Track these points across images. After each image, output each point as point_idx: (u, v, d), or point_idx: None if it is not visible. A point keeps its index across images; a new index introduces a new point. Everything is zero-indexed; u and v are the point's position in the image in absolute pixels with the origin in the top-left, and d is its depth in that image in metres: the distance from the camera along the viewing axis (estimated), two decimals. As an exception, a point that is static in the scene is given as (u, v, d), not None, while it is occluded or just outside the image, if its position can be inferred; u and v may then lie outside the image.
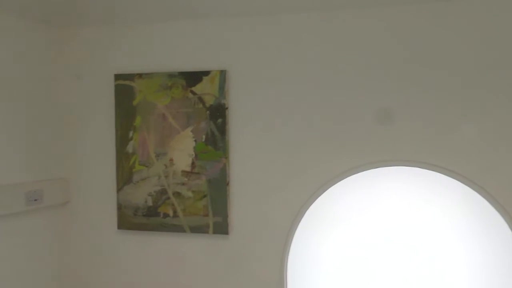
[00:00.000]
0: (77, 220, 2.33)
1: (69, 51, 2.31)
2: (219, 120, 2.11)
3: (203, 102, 2.13)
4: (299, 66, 2.06)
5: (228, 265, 2.14)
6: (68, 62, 2.31)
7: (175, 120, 2.16)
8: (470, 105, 1.90)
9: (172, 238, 2.20)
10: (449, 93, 1.91)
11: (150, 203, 2.20)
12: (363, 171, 2.02)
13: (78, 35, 2.30)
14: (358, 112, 2.00)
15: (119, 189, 2.24)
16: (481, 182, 1.89)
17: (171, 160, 2.17)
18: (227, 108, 2.11)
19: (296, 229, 2.08)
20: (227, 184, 2.11)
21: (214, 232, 2.13)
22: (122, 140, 2.23)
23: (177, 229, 2.17)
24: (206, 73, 2.12)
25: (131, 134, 2.22)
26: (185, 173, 2.15)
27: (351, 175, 2.03)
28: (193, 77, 2.14)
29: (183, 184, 2.15)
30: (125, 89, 2.22)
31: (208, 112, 2.12)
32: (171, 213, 2.17)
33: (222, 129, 2.11)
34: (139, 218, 2.21)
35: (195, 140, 2.14)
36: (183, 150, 2.15)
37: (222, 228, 2.11)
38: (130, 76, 2.21)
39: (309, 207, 2.06)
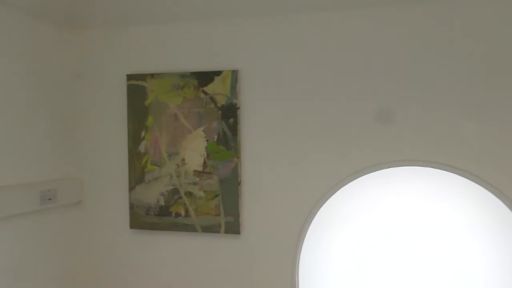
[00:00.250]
0: (90, 219, 2.35)
1: (82, 51, 2.33)
2: (231, 120, 2.11)
3: (214, 102, 2.13)
4: (310, 66, 2.05)
5: (240, 265, 2.15)
6: (82, 62, 2.33)
7: (187, 120, 2.17)
8: (484, 105, 1.88)
9: (184, 238, 2.21)
10: (462, 93, 1.90)
11: (162, 202, 2.21)
12: (375, 171, 2.01)
13: (92, 36, 2.32)
14: (371, 112, 1.99)
15: (131, 189, 2.25)
16: (495, 182, 1.87)
17: (183, 160, 2.17)
18: (238, 108, 2.11)
19: (307, 229, 2.07)
20: (239, 183, 2.11)
21: (226, 232, 2.13)
22: (134, 140, 2.24)
23: (189, 228, 2.18)
24: (218, 73, 2.13)
25: (143, 134, 2.23)
26: (197, 172, 2.16)
27: (362, 175, 2.02)
28: (205, 77, 2.14)
29: (195, 183, 2.16)
30: (137, 89, 2.23)
31: (219, 112, 2.13)
32: (183, 212, 2.18)
33: (234, 129, 2.11)
34: (151, 217, 2.22)
35: (207, 140, 2.14)
36: (195, 150, 2.16)
37: (233, 228, 2.12)
38: (142, 76, 2.23)
39: (320, 207, 2.05)
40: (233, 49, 2.14)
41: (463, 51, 1.89)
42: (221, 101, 2.13)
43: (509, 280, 2.03)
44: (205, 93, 2.14)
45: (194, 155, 2.16)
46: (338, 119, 2.03)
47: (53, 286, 2.19)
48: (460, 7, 1.89)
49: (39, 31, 2.12)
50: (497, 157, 1.87)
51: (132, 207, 2.25)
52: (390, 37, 1.97)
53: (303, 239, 2.09)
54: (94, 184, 2.34)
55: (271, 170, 2.10)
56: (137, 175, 2.24)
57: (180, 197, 2.18)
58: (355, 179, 2.02)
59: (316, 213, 2.05)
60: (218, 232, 2.14)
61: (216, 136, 2.13)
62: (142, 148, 2.23)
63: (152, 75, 2.21)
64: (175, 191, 2.19)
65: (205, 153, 2.15)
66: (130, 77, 2.25)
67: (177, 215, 2.19)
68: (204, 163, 2.15)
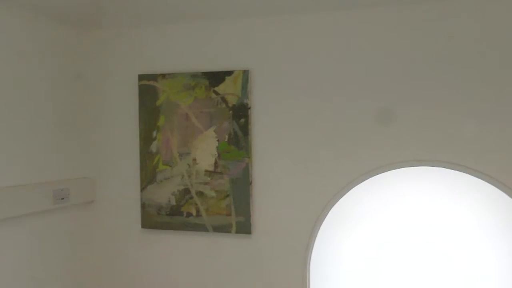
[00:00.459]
0: (102, 219, 2.36)
1: (94, 52, 2.35)
2: (242, 120, 2.12)
3: (226, 102, 2.14)
4: (322, 65, 2.05)
5: (251, 265, 2.15)
6: (94, 63, 2.35)
7: (198, 120, 2.18)
8: (498, 104, 1.86)
9: (195, 237, 2.21)
10: (476, 93, 1.88)
11: (173, 202, 2.22)
12: (386, 171, 2.00)
13: (103, 36, 2.34)
14: (382, 112, 1.98)
15: (143, 188, 2.26)
16: (509, 183, 1.85)
17: (194, 159, 2.18)
18: (249, 108, 2.12)
19: (319, 229, 2.07)
20: (250, 183, 2.11)
21: (237, 232, 2.13)
22: (146, 140, 2.25)
23: (200, 228, 2.18)
24: (229, 73, 2.13)
25: (154, 134, 2.24)
26: (208, 172, 2.16)
27: (374, 175, 2.01)
28: (216, 77, 2.15)
29: (206, 183, 2.17)
30: (148, 89, 2.25)
31: (231, 112, 2.13)
32: (194, 212, 2.19)
33: (245, 129, 2.11)
34: (162, 217, 2.23)
35: (218, 140, 2.15)
36: (206, 149, 2.16)
37: (244, 228, 2.12)
38: (153, 77, 2.24)
39: (332, 207, 2.05)
40: (244, 49, 2.14)
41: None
42: (232, 101, 2.13)
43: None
44: (216, 93, 2.15)
45: (205, 155, 2.17)
46: (349, 118, 2.02)
47: (65, 284, 2.21)
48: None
49: (52, 32, 2.14)
50: (510, 156, 1.85)
51: (143, 206, 2.26)
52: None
53: (314, 239, 2.08)
54: (106, 183, 2.35)
55: (282, 170, 2.10)
56: (148, 175, 2.25)
57: (192, 197, 2.19)
58: (366, 179, 2.02)
59: (327, 213, 2.05)
60: (229, 232, 2.14)
61: (227, 136, 2.14)
62: (153, 148, 2.24)
63: (163, 75, 2.22)
64: (186, 190, 2.20)
65: (216, 153, 2.15)
66: (141, 77, 2.26)
67: (188, 214, 2.19)
68: (215, 163, 2.15)
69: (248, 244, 2.15)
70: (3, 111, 1.87)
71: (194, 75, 2.18)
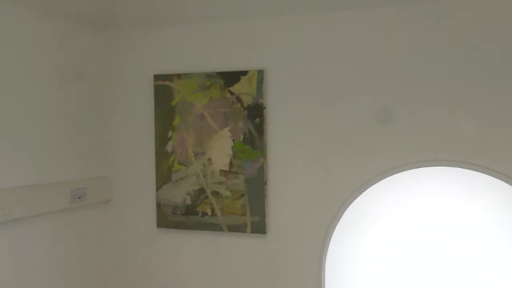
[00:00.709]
0: (118, 218, 2.38)
1: (110, 52, 2.37)
2: (257, 120, 2.12)
3: (241, 102, 2.14)
4: (337, 65, 2.04)
5: (266, 265, 2.15)
6: (110, 63, 2.37)
7: (213, 120, 2.18)
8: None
9: (210, 237, 2.22)
10: (495, 93, 1.86)
11: (188, 202, 2.23)
12: (402, 171, 1.98)
13: (119, 37, 2.36)
14: (399, 113, 1.97)
15: (158, 188, 2.28)
16: (528, 183, 1.83)
17: (210, 159, 2.19)
18: (265, 107, 2.12)
19: (334, 229, 2.06)
20: (265, 183, 2.11)
21: (252, 232, 2.13)
22: (161, 139, 2.27)
23: (215, 228, 2.19)
24: (244, 73, 2.13)
25: (170, 133, 2.25)
26: (223, 172, 2.17)
27: (390, 175, 2.00)
28: (231, 77, 2.15)
29: (221, 183, 2.17)
30: (164, 89, 2.26)
31: (246, 111, 2.13)
32: (209, 212, 2.20)
33: (260, 129, 2.12)
34: (177, 216, 2.25)
35: (233, 140, 2.15)
36: (221, 149, 2.17)
37: (259, 228, 2.12)
38: (169, 77, 2.25)
39: (347, 207, 2.04)
40: (259, 49, 2.14)
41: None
42: (247, 101, 2.13)
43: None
44: (231, 93, 2.15)
45: (220, 155, 2.17)
46: (365, 118, 2.01)
47: (81, 282, 2.23)
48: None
49: (68, 33, 2.16)
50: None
51: (159, 206, 2.28)
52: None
53: (330, 239, 2.08)
54: (122, 183, 2.37)
55: (297, 169, 2.10)
56: (164, 175, 2.26)
57: (207, 197, 2.20)
58: (382, 179, 2.00)
59: (343, 213, 2.04)
60: (244, 231, 2.15)
61: (242, 136, 2.14)
62: (169, 147, 2.26)
63: (178, 76, 2.23)
64: (201, 190, 2.21)
65: (231, 152, 2.16)
66: (157, 77, 2.27)
67: (204, 214, 2.20)
68: (230, 162, 2.16)
69: (263, 244, 2.15)
70: (22, 111, 1.90)
71: (209, 75, 2.19)
